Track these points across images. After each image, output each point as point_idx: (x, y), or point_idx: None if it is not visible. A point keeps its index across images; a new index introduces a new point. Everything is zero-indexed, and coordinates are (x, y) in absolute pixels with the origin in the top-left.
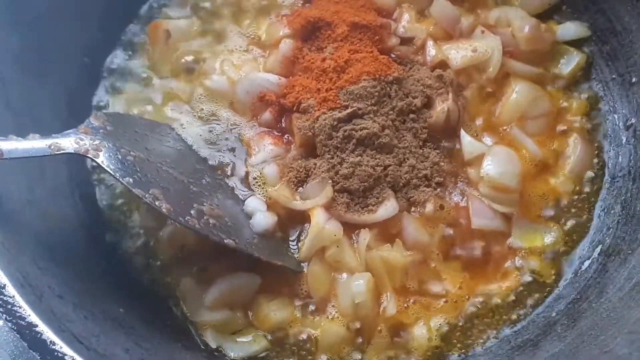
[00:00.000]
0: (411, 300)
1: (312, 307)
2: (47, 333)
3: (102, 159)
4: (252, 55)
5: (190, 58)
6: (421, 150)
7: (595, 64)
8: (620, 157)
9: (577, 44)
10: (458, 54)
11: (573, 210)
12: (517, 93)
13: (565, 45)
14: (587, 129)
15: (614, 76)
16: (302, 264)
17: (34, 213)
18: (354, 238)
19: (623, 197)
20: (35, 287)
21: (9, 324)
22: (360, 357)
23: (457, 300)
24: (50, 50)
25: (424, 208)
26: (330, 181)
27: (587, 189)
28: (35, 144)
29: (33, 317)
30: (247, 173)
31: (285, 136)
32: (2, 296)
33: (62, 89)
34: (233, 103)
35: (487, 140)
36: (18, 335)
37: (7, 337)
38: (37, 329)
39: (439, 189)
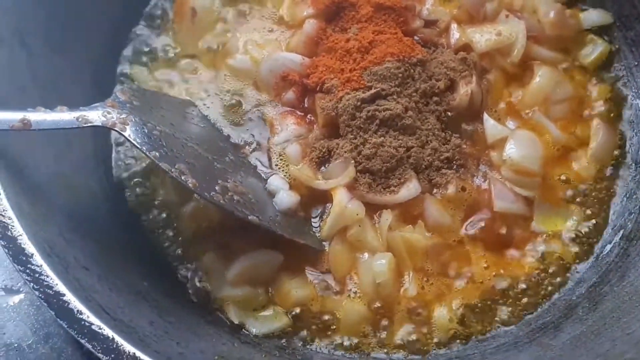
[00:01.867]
0: (432, 281)
1: (333, 286)
2: (74, 302)
3: (129, 133)
4: (276, 35)
5: (214, 37)
6: (444, 133)
7: (619, 49)
8: None
9: (601, 29)
10: (482, 37)
11: (595, 194)
12: (541, 77)
13: (590, 33)
14: (610, 115)
15: (637, 62)
16: (324, 243)
17: (60, 185)
18: (376, 218)
19: None
20: (62, 258)
21: (37, 293)
22: (380, 336)
23: (478, 282)
24: (76, 24)
25: (445, 190)
26: (352, 161)
27: (609, 174)
28: (63, 116)
29: (60, 287)
30: (269, 152)
31: (308, 116)
32: (30, 265)
33: (87, 64)
34: (256, 82)
35: (510, 124)
36: (45, 304)
37: (28, 310)
38: (64, 298)
39: (461, 171)
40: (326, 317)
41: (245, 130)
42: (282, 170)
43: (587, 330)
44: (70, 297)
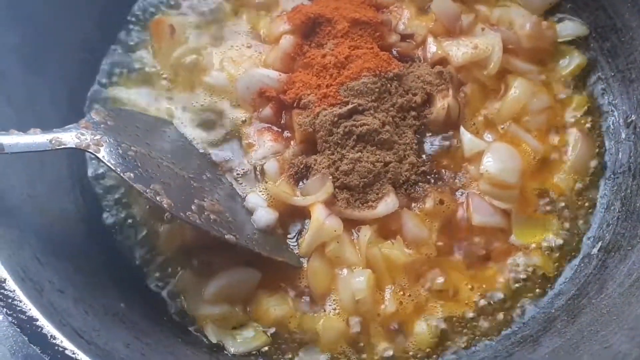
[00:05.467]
0: (411, 297)
1: (312, 303)
2: (48, 327)
3: (103, 154)
4: (252, 51)
5: (190, 54)
6: (421, 147)
7: (595, 60)
8: (620, 154)
9: (578, 41)
10: (459, 50)
11: (573, 206)
12: (517, 89)
13: (567, 45)
14: (587, 126)
15: (614, 73)
16: (302, 260)
17: (34, 208)
18: (355, 234)
19: (623, 194)
20: (36, 282)
21: (10, 319)
22: (360, 352)
23: (457, 297)
24: (51, 45)
25: (424, 204)
26: (330, 177)
27: (587, 185)
28: (36, 138)
29: (33, 312)
30: (247, 169)
31: (285, 132)
32: (2, 291)
33: (62, 84)
34: (233, 99)
35: (488, 136)
36: (18, 330)
37: (7, 331)
38: (37, 323)
39: (439, 184)
40: (305, 335)
41: (223, 148)
42: (260, 187)
43: (566, 343)
44: (43, 322)
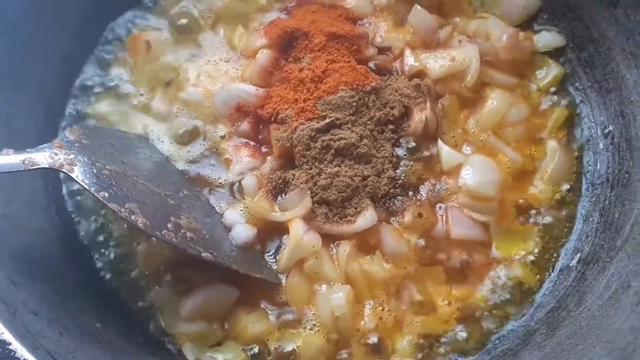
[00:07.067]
0: (391, 313)
1: (291, 319)
2: (21, 351)
3: (77, 174)
4: (229, 66)
5: (167, 69)
6: (399, 160)
7: (573, 71)
8: (598, 164)
9: (555, 52)
10: (436, 63)
11: (552, 217)
12: (494, 100)
13: (544, 56)
14: (565, 136)
15: (591, 83)
16: (281, 276)
17: (9, 227)
18: (334, 249)
19: (601, 205)
20: (9, 304)
21: None
22: None
23: (437, 312)
24: (27, 62)
25: (402, 217)
26: (308, 192)
27: (565, 197)
28: (9, 159)
29: (6, 335)
30: (225, 185)
31: (263, 147)
32: None
33: (38, 101)
34: (210, 114)
35: (466, 149)
36: None
37: None
38: (10, 347)
39: (418, 197)
40: (285, 352)
41: (200, 164)
42: (239, 202)
43: (545, 357)
44: (16, 345)
